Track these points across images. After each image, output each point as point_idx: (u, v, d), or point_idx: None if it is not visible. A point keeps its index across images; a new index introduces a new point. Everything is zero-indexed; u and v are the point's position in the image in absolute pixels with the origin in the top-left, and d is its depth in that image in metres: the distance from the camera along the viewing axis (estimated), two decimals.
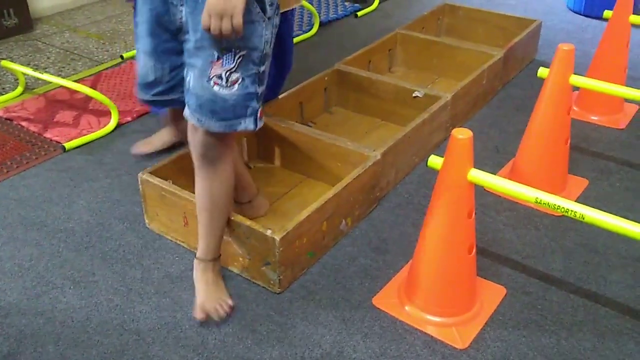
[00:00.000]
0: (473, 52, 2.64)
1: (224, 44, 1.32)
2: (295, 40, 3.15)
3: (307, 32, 3.25)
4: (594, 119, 2.41)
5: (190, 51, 1.38)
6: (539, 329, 1.51)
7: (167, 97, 1.51)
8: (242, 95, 1.37)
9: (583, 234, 1.81)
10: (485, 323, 1.53)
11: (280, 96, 2.25)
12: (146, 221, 1.87)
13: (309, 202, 1.72)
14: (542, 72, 1.88)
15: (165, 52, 1.44)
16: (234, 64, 1.34)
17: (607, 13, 2.37)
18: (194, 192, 1.79)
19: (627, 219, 1.89)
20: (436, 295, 1.52)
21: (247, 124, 1.40)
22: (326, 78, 2.45)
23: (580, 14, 3.47)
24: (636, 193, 2.00)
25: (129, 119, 2.45)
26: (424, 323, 1.53)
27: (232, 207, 1.63)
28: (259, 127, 1.43)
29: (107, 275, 1.70)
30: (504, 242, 1.80)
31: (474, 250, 1.49)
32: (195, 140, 1.44)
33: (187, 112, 1.42)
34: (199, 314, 1.54)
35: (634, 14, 2.35)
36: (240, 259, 1.66)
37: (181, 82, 1.46)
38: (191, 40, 1.36)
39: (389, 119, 2.42)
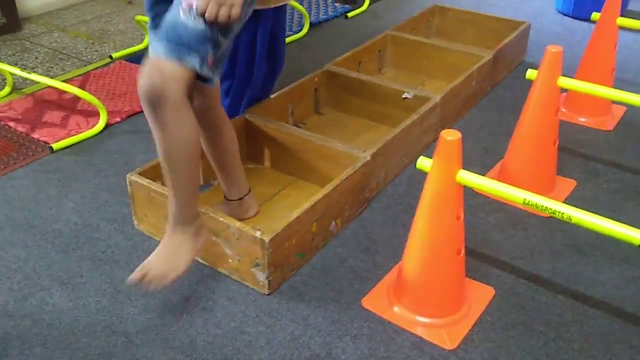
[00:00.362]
0: (462, 53, 2.65)
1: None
2: (286, 40, 3.15)
3: (297, 33, 3.25)
4: (582, 120, 2.43)
5: None
6: (527, 330, 1.52)
7: None
8: (203, 33, 1.32)
9: (571, 234, 1.82)
10: (474, 324, 1.54)
11: (271, 96, 2.25)
12: (135, 222, 1.86)
13: (299, 203, 1.72)
14: (531, 74, 1.89)
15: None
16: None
17: (594, 15, 2.38)
18: None
19: (615, 219, 1.91)
20: (425, 296, 1.52)
21: (194, 62, 1.33)
22: (316, 79, 2.45)
23: (569, 16, 3.50)
24: (623, 194, 2.02)
25: (118, 119, 2.44)
26: (413, 324, 1.54)
27: (199, 171, 1.53)
28: (203, 73, 1.36)
29: (95, 277, 1.69)
30: (492, 243, 1.81)
31: (463, 252, 1.50)
32: (141, 77, 1.35)
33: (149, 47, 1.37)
34: (135, 275, 1.45)
35: (621, 16, 2.37)
36: (230, 260, 1.65)
37: None
38: None
39: (379, 121, 2.42)
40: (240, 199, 1.84)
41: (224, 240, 1.63)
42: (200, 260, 1.73)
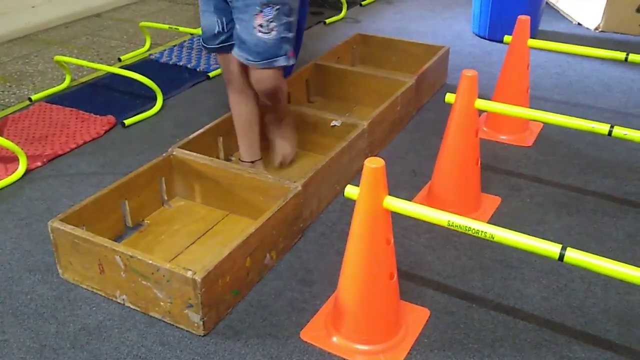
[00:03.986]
0: (386, 79, 2.72)
1: (264, 1, 1.88)
2: (213, 74, 3.15)
3: None
4: (502, 138, 2.53)
5: (239, 9, 1.94)
6: (462, 349, 1.55)
7: (227, 43, 2.08)
8: (278, 39, 1.94)
9: (498, 250, 1.88)
10: (412, 347, 1.55)
11: (197, 132, 2.23)
12: (59, 271, 1.78)
13: (233, 238, 1.70)
14: (449, 97, 1.96)
15: (222, 9, 2.02)
16: (272, 15, 1.90)
17: (507, 38, 2.51)
18: (110, 238, 1.74)
19: (538, 232, 1.99)
20: (361, 323, 1.53)
21: (282, 61, 1.97)
22: None
23: (486, 39, 3.67)
24: (545, 207, 2.11)
25: (39, 163, 2.35)
26: (352, 352, 1.53)
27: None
28: (290, 64, 2.01)
29: (18, 333, 1.59)
30: (425, 264, 1.85)
31: (396, 276, 1.51)
32: (254, 78, 2.05)
33: (236, 52, 2.01)
34: (278, 161, 2.22)
35: (533, 37, 2.50)
36: (161, 303, 1.60)
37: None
38: (239, 0, 1.93)
39: (310, 149, 2.44)
40: (252, 162, 2.25)
41: (154, 283, 1.58)
42: (131, 306, 1.67)
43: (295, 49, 2.55)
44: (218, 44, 2.10)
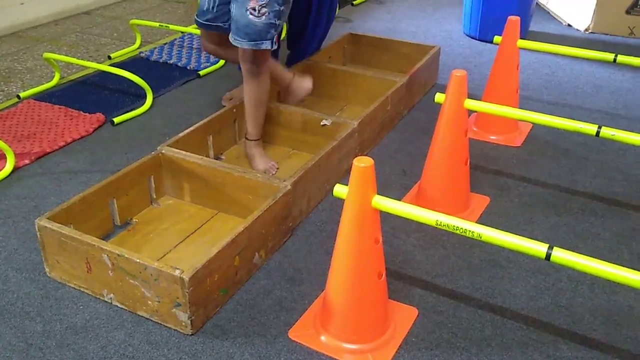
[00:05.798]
0: (377, 79, 2.72)
1: None
2: (203, 72, 3.14)
3: (214, 64, 3.23)
4: (492, 138, 2.54)
5: None
6: (450, 348, 1.55)
7: (213, 23, 2.30)
8: (267, 24, 2.06)
9: (487, 249, 1.89)
10: (400, 346, 1.55)
11: (187, 130, 2.22)
12: (46, 270, 1.77)
13: (222, 236, 1.69)
14: (439, 97, 1.97)
15: None
16: (265, 1, 2.02)
17: (497, 39, 2.52)
18: (98, 236, 1.73)
19: (526, 232, 2.00)
20: (350, 322, 1.53)
21: (267, 45, 2.10)
22: (235, 110, 2.44)
23: (476, 39, 3.68)
24: (534, 207, 2.11)
25: (27, 161, 2.33)
26: (340, 352, 1.53)
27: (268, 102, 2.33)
28: (274, 48, 2.13)
29: (4, 332, 1.58)
30: (414, 263, 1.85)
31: (384, 275, 1.52)
32: (242, 58, 2.18)
33: (231, 37, 2.14)
34: (259, 173, 2.09)
35: (522, 37, 2.51)
36: (149, 302, 1.60)
37: (224, 14, 2.24)
38: None
39: (300, 148, 2.44)
40: (287, 87, 2.53)
41: (141, 281, 1.58)
42: (119, 305, 1.66)
43: (327, 27, 2.94)
44: (204, 21, 2.31)
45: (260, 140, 2.32)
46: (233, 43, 2.13)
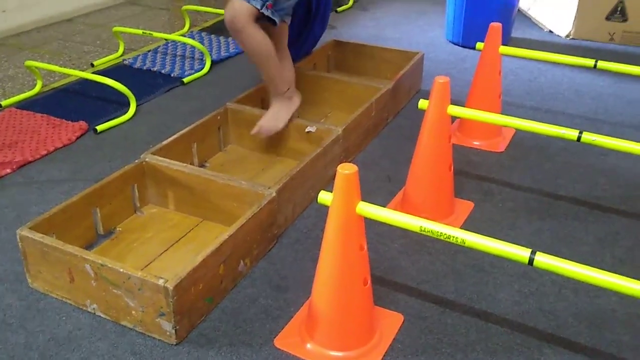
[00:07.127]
0: (361, 85, 2.73)
1: None
2: (187, 79, 3.13)
3: (198, 72, 3.23)
4: (475, 143, 2.56)
5: None
6: (436, 353, 1.56)
7: None
8: None
9: (472, 255, 1.90)
10: (385, 352, 1.55)
11: (171, 138, 2.21)
12: (29, 280, 1.75)
13: (207, 245, 1.68)
14: (422, 103, 1.98)
15: None
16: None
17: (479, 45, 2.54)
18: (81, 246, 1.72)
19: (510, 236, 2.01)
20: (335, 329, 1.52)
21: (257, 3, 2.07)
22: (219, 117, 2.43)
23: (459, 45, 3.71)
24: (517, 212, 2.13)
25: (9, 170, 2.30)
26: (326, 359, 1.53)
27: (277, 63, 2.29)
28: (262, 11, 2.09)
29: None
30: (399, 269, 1.85)
31: (369, 281, 1.52)
32: (225, 14, 2.11)
33: None
34: (253, 130, 2.20)
35: (505, 44, 2.54)
36: (133, 312, 1.58)
37: None
38: None
39: (285, 155, 2.43)
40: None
41: (125, 291, 1.56)
42: (102, 315, 1.64)
43: (322, 31, 3.01)
44: None
45: (287, 93, 2.35)
46: None
